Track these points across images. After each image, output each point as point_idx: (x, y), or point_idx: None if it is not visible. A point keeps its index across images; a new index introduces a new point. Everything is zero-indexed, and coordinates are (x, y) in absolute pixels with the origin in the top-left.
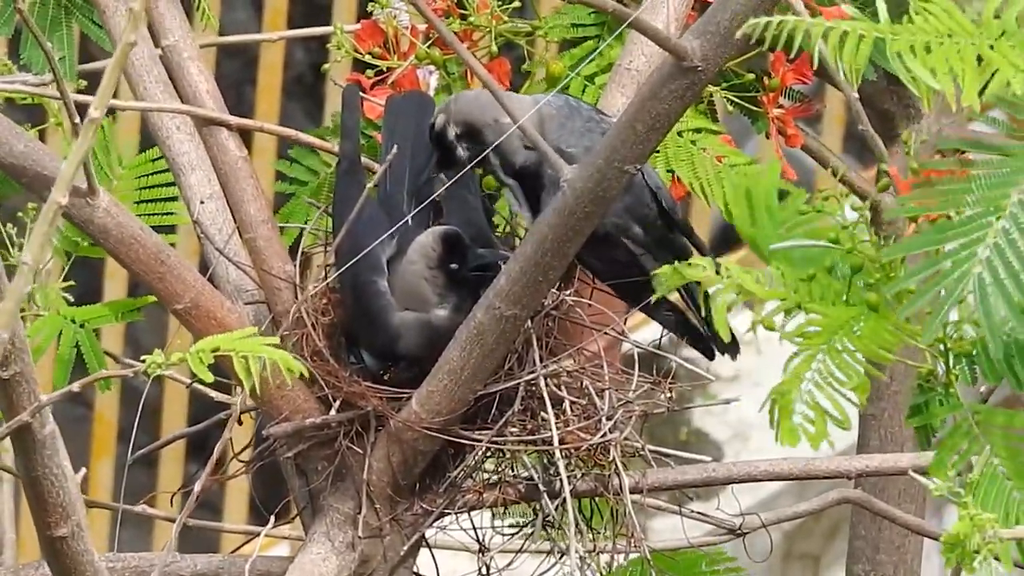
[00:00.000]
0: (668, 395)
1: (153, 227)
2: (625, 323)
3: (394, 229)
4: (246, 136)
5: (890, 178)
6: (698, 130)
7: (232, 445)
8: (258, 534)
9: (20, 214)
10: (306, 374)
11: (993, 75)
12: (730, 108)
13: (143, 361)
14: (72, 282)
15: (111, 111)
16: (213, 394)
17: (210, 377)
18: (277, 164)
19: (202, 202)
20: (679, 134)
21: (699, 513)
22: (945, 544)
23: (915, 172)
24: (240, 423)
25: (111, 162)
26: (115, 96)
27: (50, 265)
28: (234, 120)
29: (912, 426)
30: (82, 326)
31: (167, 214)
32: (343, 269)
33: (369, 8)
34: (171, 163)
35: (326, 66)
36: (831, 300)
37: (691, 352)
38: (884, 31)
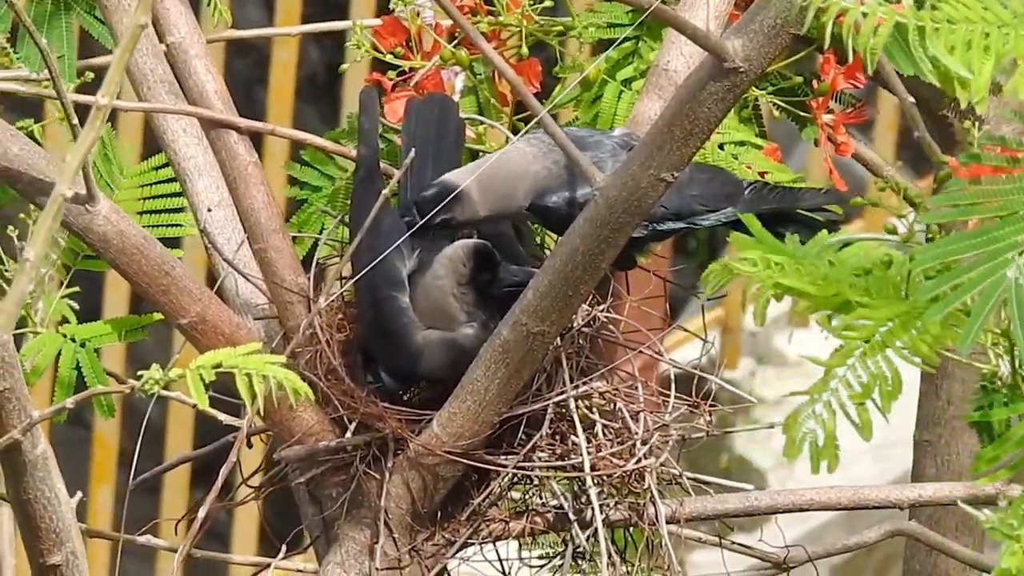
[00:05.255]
0: (708, 419)
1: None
2: (663, 342)
3: (407, 235)
4: (256, 139)
5: (950, 169)
6: (741, 143)
7: (241, 469)
8: (268, 565)
9: (10, 228)
10: (311, 396)
11: None
12: (776, 114)
13: (140, 378)
14: (77, 288)
15: (111, 118)
16: (220, 416)
17: (205, 403)
18: (288, 168)
19: (209, 210)
20: (720, 147)
21: (741, 545)
22: None
23: (975, 159)
24: (250, 445)
25: (112, 171)
26: (117, 97)
27: (50, 277)
28: (244, 123)
29: (971, 421)
30: (83, 345)
31: (172, 225)
32: (362, 283)
33: (391, 5)
34: (177, 168)
35: (344, 66)
36: (888, 294)
37: (733, 374)
38: (923, 19)
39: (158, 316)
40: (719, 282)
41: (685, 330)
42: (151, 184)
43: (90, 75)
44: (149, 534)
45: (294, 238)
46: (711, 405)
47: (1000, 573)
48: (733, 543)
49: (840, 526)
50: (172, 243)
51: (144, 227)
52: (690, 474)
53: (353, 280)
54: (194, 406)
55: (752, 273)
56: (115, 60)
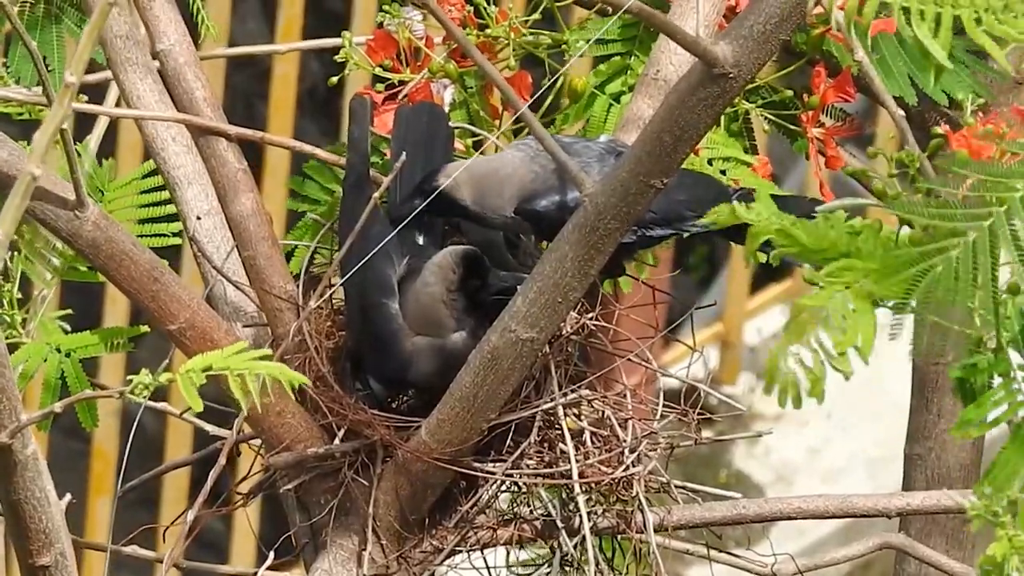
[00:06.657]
0: (696, 426)
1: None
2: (653, 351)
3: (391, 235)
4: (258, 154)
5: (944, 138)
6: (728, 159)
7: (232, 477)
8: (254, 574)
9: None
10: (307, 383)
11: None
12: (766, 127)
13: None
14: (69, 310)
15: (110, 127)
16: (207, 427)
17: (199, 404)
18: (292, 181)
19: (199, 218)
20: (709, 162)
21: (728, 553)
22: (982, 567)
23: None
24: (238, 454)
25: (102, 184)
26: (108, 103)
27: (46, 293)
28: (233, 130)
29: (954, 385)
30: (68, 355)
31: (158, 235)
32: (351, 290)
33: (378, 18)
34: (167, 176)
35: (333, 79)
36: (878, 253)
37: (732, 389)
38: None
39: (144, 328)
40: (724, 223)
41: (679, 341)
42: (143, 193)
43: (83, 97)
44: (138, 544)
45: (283, 248)
46: (700, 414)
47: (986, 560)
48: (721, 551)
49: (838, 541)
50: (170, 253)
51: (138, 237)
52: (679, 483)
53: (345, 289)
54: (180, 415)
55: (756, 220)
56: (84, 35)
